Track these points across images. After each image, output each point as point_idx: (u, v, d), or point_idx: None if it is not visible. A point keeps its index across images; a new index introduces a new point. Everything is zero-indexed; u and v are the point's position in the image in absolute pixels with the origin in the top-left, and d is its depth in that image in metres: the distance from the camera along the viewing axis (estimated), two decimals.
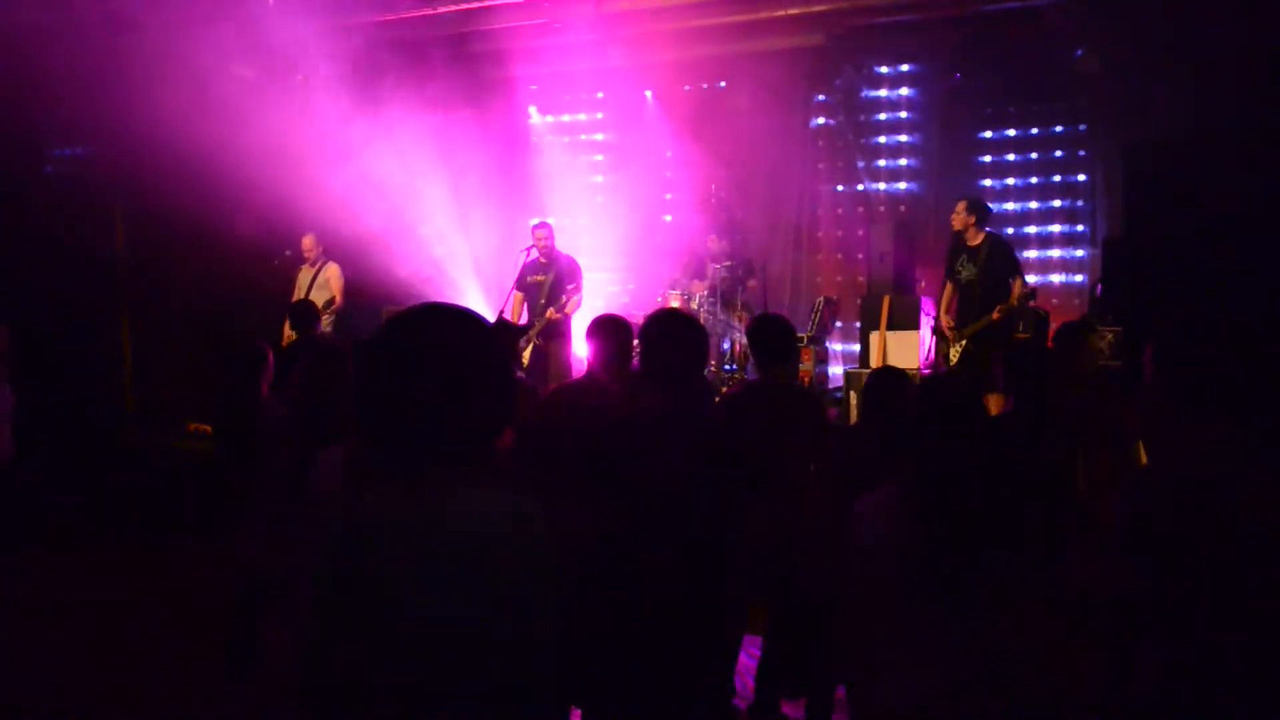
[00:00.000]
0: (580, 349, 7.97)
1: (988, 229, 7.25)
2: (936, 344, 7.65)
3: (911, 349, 7.95)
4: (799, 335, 8.19)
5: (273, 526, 4.11)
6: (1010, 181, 9.30)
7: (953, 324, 7.28)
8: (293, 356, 4.66)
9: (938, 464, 2.25)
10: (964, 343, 7.12)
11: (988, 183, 9.37)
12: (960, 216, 7.19)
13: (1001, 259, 7.09)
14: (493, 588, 1.54)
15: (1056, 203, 9.16)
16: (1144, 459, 3.91)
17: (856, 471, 3.46)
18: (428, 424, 1.60)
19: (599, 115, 10.87)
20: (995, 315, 6.91)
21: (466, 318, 1.71)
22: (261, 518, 4.24)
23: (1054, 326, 6.43)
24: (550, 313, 7.61)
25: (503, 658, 1.54)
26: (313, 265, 8.48)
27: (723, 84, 10.45)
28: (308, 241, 8.48)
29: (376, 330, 1.70)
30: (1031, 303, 7.06)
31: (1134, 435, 3.98)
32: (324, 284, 8.38)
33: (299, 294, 8.41)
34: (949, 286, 7.37)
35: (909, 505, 2.25)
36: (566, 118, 11.03)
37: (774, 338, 4.05)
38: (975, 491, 2.22)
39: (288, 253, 8.65)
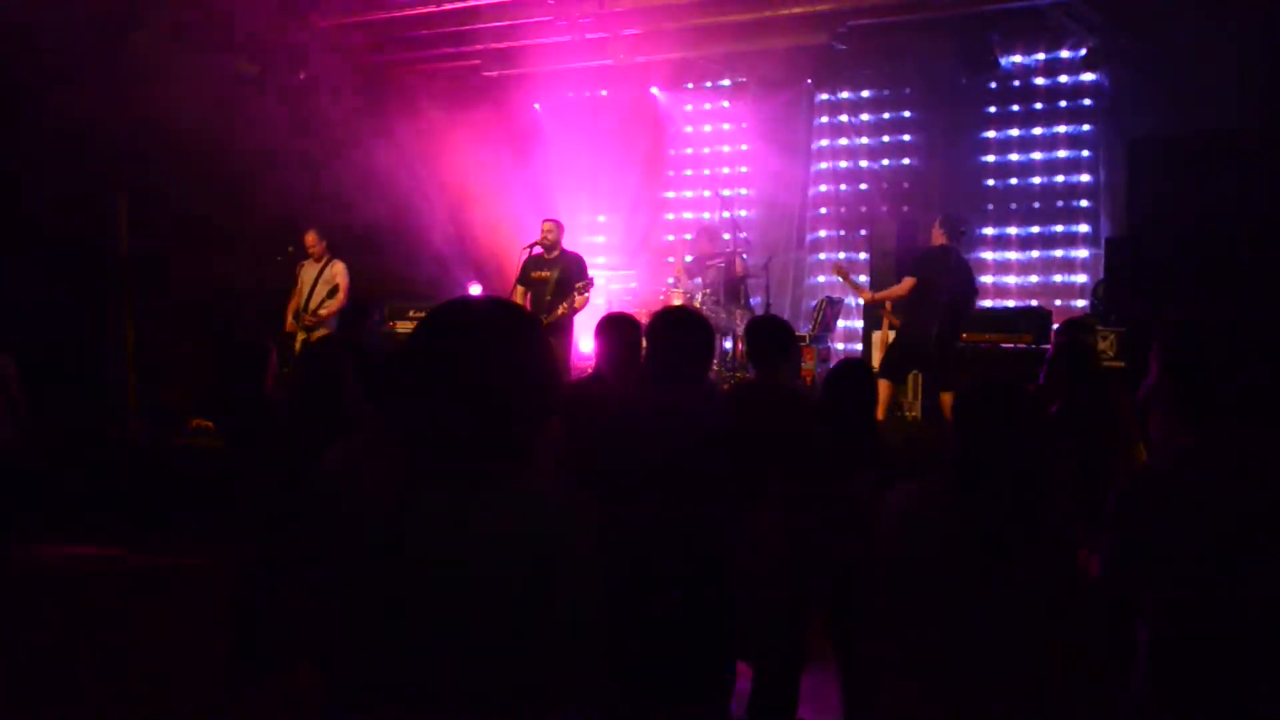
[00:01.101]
0: (579, 346, 8.01)
1: (950, 242, 7.36)
2: None
3: None
4: (800, 335, 8.20)
5: (276, 523, 4.12)
6: (1013, 181, 9.29)
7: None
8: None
9: (981, 462, 2.25)
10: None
11: (991, 182, 9.37)
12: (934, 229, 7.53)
13: (916, 261, 7.39)
14: (544, 581, 1.54)
15: (1060, 202, 9.15)
16: (1144, 459, 3.90)
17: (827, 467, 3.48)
18: (474, 418, 1.60)
19: (603, 113, 10.86)
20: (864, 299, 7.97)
21: (507, 309, 1.71)
22: (265, 514, 4.24)
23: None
24: (562, 308, 7.60)
25: (550, 650, 1.55)
26: (317, 261, 8.47)
27: (726, 82, 10.47)
28: (310, 237, 8.47)
29: (417, 325, 1.69)
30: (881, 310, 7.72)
31: (1136, 435, 3.97)
32: (329, 280, 8.37)
33: (302, 290, 8.41)
34: None
35: (947, 501, 2.25)
36: (571, 115, 11.02)
37: (763, 338, 4.05)
38: (1016, 490, 2.23)
39: (290, 249, 8.64)
